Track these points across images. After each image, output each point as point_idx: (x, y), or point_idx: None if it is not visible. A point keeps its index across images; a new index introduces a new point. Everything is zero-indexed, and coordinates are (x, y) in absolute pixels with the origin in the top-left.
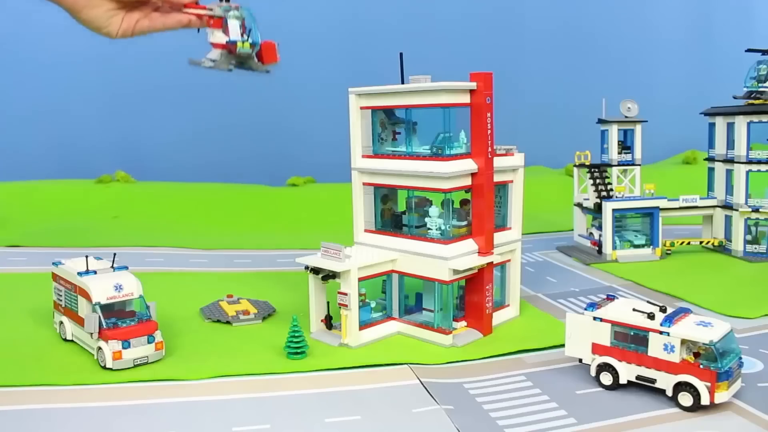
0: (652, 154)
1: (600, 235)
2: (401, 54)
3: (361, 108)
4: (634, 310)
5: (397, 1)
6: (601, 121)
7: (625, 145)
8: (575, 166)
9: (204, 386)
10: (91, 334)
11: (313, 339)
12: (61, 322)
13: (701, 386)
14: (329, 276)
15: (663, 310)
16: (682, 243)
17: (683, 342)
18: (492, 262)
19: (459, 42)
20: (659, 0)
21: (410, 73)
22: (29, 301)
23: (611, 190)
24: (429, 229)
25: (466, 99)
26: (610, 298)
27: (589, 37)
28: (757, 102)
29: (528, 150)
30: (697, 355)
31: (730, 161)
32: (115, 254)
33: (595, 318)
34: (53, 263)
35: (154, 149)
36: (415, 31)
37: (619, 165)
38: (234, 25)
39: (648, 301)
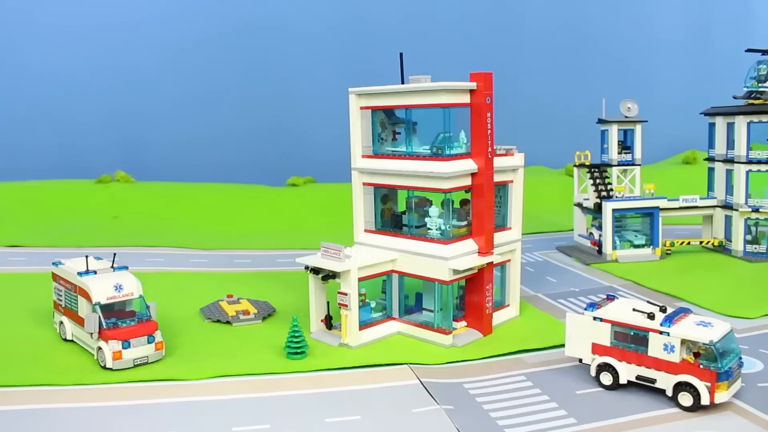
0: (652, 154)
1: (600, 235)
2: (401, 54)
3: (361, 108)
4: (634, 310)
5: (397, 1)
6: (601, 121)
7: (625, 145)
8: (575, 166)
9: (204, 386)
10: (91, 334)
11: (313, 339)
12: (61, 322)
13: (701, 386)
14: (329, 276)
15: (663, 310)
16: (682, 243)
17: (683, 342)
18: (492, 262)
19: (459, 42)
20: (659, 0)
21: (410, 73)
22: (29, 301)
23: (611, 190)
24: (429, 229)
25: (466, 99)
26: (610, 298)
27: (589, 37)
28: (757, 102)
29: (528, 150)
30: (697, 355)
31: (730, 161)
32: (115, 254)
33: (595, 318)
34: (53, 263)
35: (154, 149)
36: (415, 31)
37: (619, 165)
38: None
39: (648, 301)
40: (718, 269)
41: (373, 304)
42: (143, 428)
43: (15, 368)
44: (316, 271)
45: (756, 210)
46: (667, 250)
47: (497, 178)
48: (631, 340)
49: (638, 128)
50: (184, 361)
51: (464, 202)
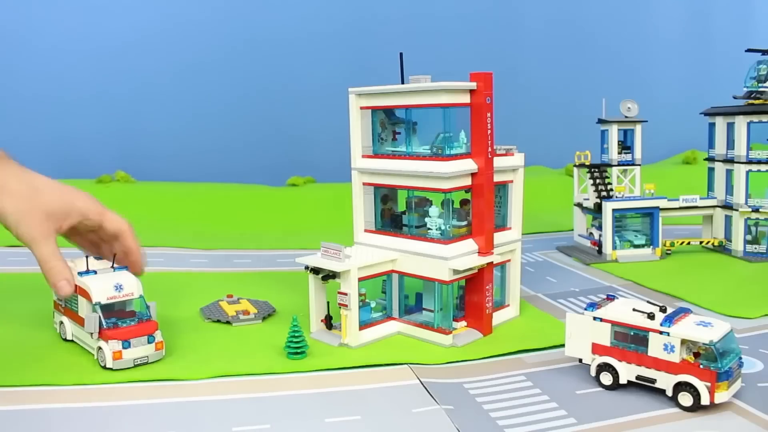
0: (652, 154)
1: (600, 235)
2: (401, 54)
3: (361, 108)
4: (634, 310)
5: (397, 1)
6: (601, 121)
7: (625, 145)
8: (575, 166)
9: (204, 386)
10: (91, 334)
11: (313, 339)
12: (61, 322)
13: (701, 386)
14: (329, 276)
15: (663, 310)
16: (682, 243)
17: (683, 342)
18: (492, 262)
19: (459, 42)
20: (659, 0)
21: (410, 73)
22: (29, 301)
23: (611, 190)
24: (429, 229)
25: (466, 99)
26: (610, 298)
27: (589, 36)
28: (757, 102)
29: (528, 150)
30: (697, 355)
31: (730, 161)
32: (115, 254)
33: (595, 318)
34: None
35: (154, 149)
36: (415, 31)
37: (619, 165)
38: None
39: (648, 301)
40: (718, 269)
41: (373, 304)
42: (143, 428)
43: (15, 368)
44: (316, 271)
45: (756, 210)
46: (667, 250)
47: (497, 178)
48: (631, 340)
49: (638, 128)
50: (184, 361)
51: (464, 202)
